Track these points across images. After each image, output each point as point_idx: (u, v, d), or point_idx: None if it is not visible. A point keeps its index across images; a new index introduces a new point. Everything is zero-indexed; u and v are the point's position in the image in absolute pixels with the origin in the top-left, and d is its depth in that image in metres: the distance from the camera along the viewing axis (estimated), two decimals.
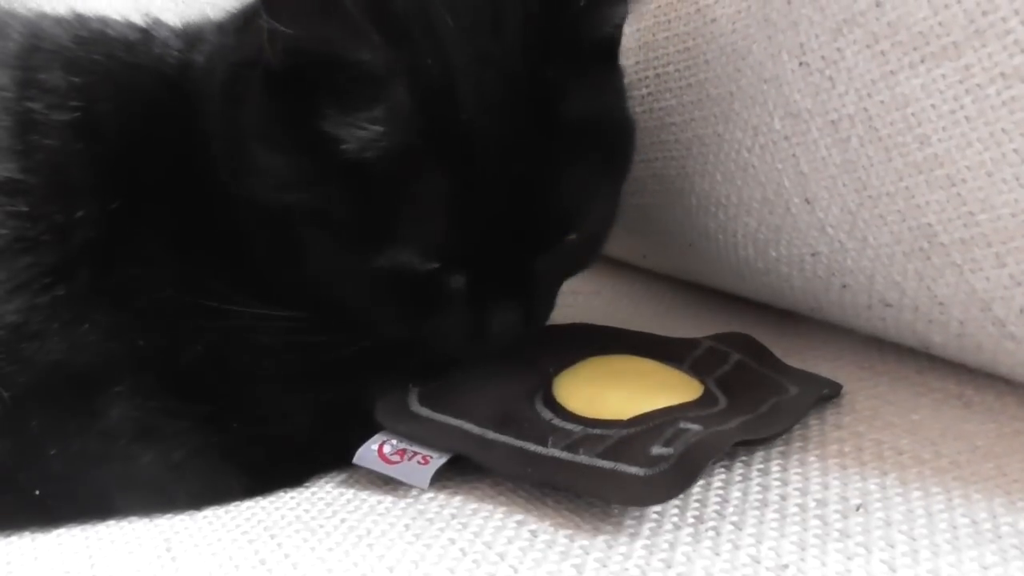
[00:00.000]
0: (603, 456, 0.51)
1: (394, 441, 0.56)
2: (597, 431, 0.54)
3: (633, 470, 0.49)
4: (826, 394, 0.59)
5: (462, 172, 0.52)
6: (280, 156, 0.55)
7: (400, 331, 0.59)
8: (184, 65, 0.62)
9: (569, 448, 0.52)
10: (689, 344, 0.66)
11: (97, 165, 0.58)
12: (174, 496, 0.56)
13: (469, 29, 0.53)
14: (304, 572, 0.47)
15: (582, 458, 0.51)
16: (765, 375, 0.61)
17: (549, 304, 0.62)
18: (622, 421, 0.54)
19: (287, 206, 0.55)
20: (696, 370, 0.62)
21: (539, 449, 0.53)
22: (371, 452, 0.55)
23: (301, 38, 0.51)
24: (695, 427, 0.52)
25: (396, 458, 0.55)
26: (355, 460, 0.55)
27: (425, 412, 0.57)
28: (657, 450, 0.50)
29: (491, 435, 0.55)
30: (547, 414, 0.56)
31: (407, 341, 0.59)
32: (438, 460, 0.54)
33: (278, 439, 0.58)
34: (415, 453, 0.55)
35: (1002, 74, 0.47)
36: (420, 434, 0.56)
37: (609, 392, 0.58)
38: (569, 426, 0.55)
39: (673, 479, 0.48)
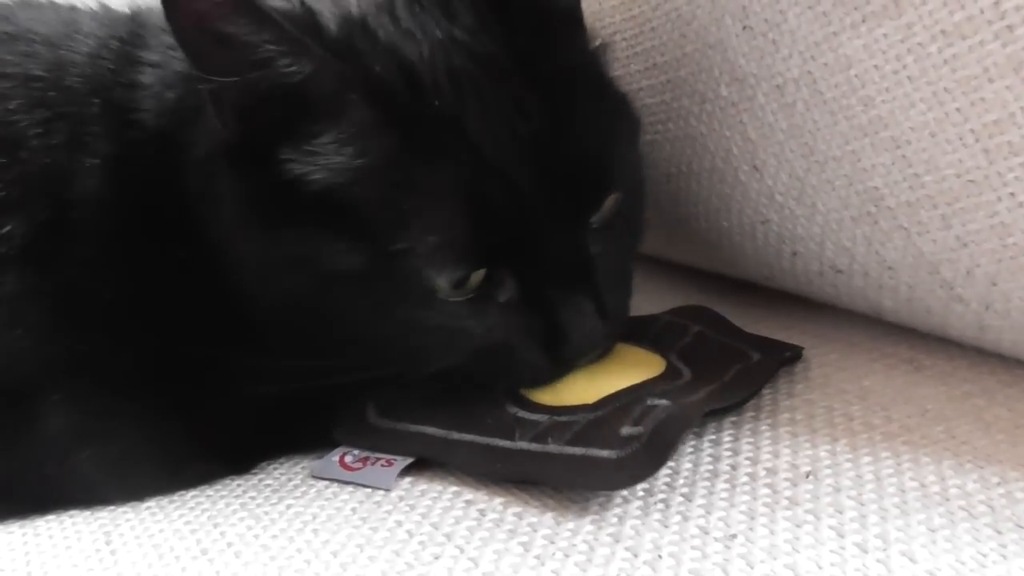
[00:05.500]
0: (572, 443, 0.50)
1: (356, 451, 0.55)
2: (564, 418, 0.52)
3: (605, 453, 0.48)
4: (788, 357, 0.59)
5: (460, 158, 0.49)
6: (269, 238, 0.51)
7: (475, 372, 0.54)
8: (126, 79, 0.58)
9: (537, 439, 0.51)
10: (647, 321, 0.65)
11: (24, 179, 0.55)
12: (114, 489, 0.55)
13: (416, 27, 0.51)
14: (246, 561, 0.46)
15: (551, 447, 0.50)
16: (726, 344, 0.61)
17: (622, 291, 0.57)
18: (588, 405, 0.53)
19: (291, 289, 0.52)
20: (657, 346, 0.62)
21: (506, 443, 0.51)
22: (332, 463, 0.54)
23: (244, 80, 0.47)
24: (663, 402, 0.51)
25: (358, 465, 0.54)
26: (315, 472, 0.54)
27: (385, 424, 0.56)
28: (627, 430, 0.49)
29: (455, 436, 0.53)
30: (512, 408, 0.55)
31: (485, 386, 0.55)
32: (402, 462, 0.53)
33: (224, 429, 0.57)
34: (378, 459, 0.54)
35: (943, 31, 0.46)
36: (383, 445, 0.54)
37: (572, 377, 0.57)
38: (535, 417, 0.53)
39: (647, 458, 0.47)
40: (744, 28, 0.57)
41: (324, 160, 0.49)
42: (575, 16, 0.58)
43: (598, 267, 0.54)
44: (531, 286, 0.52)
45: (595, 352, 0.55)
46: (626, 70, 0.69)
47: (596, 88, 0.56)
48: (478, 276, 0.51)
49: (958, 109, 0.47)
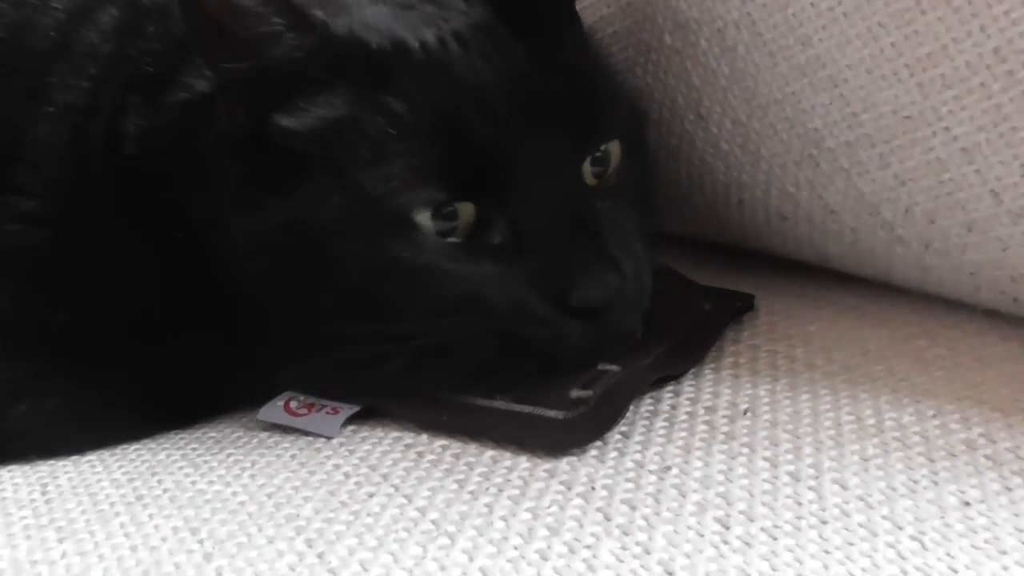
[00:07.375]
0: (521, 400, 0.50)
1: (301, 397, 0.54)
2: None
3: (552, 413, 0.48)
4: (739, 307, 0.59)
5: (438, 91, 0.49)
6: (264, 209, 0.51)
7: (478, 329, 0.50)
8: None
9: (486, 394, 0.51)
10: None
11: None
12: (52, 442, 0.54)
13: (403, 10, 0.52)
14: (180, 505, 0.45)
15: (499, 403, 0.50)
16: (679, 297, 0.61)
17: (637, 257, 0.52)
18: None
19: (283, 257, 0.51)
20: None
21: (455, 396, 0.51)
22: (277, 408, 0.53)
23: (254, 65, 0.48)
24: (613, 367, 0.51)
25: (304, 411, 0.53)
26: (259, 416, 0.53)
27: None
28: (576, 393, 0.49)
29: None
30: None
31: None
32: (348, 410, 0.52)
33: (165, 384, 0.56)
34: (324, 405, 0.53)
35: None
36: (329, 391, 0.54)
37: None
38: None
39: (593, 423, 0.47)
40: None
41: (314, 114, 0.49)
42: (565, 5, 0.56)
43: (604, 222, 0.50)
44: (528, 229, 0.49)
45: (618, 306, 0.50)
46: None
47: (587, 57, 0.55)
48: (467, 215, 0.49)
49: (892, 44, 0.47)
